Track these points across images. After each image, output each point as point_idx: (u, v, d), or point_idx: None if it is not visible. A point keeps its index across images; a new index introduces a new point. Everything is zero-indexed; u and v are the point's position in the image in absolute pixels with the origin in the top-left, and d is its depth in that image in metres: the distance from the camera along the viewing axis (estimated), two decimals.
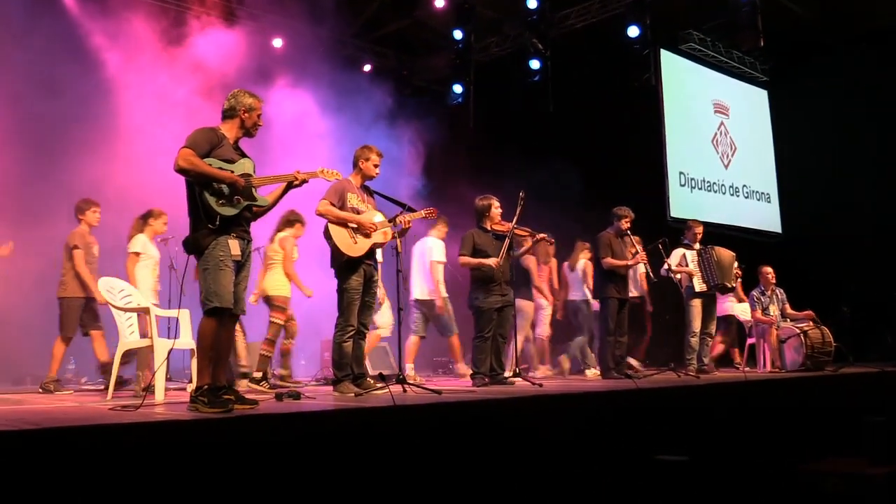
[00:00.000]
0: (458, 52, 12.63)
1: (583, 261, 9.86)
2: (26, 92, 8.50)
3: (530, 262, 9.41)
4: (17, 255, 7.63)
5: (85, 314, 7.31)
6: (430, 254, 8.72)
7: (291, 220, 7.83)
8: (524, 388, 6.54)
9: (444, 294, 8.69)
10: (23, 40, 8.56)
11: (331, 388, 6.28)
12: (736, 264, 9.18)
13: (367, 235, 6.06)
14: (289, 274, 7.60)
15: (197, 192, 4.51)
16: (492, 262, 7.17)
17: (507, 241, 7.25)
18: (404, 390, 5.77)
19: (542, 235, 7.52)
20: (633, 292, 9.17)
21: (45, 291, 7.48)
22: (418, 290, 8.71)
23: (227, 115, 4.80)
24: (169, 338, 6.38)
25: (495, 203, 7.51)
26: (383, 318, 8.60)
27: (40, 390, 6.94)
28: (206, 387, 4.42)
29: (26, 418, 4.00)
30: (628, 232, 8.38)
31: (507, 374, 7.37)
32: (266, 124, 10.82)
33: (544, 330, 9.68)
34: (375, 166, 6.28)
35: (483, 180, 11.36)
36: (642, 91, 12.08)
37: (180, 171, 4.45)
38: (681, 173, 12.38)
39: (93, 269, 7.36)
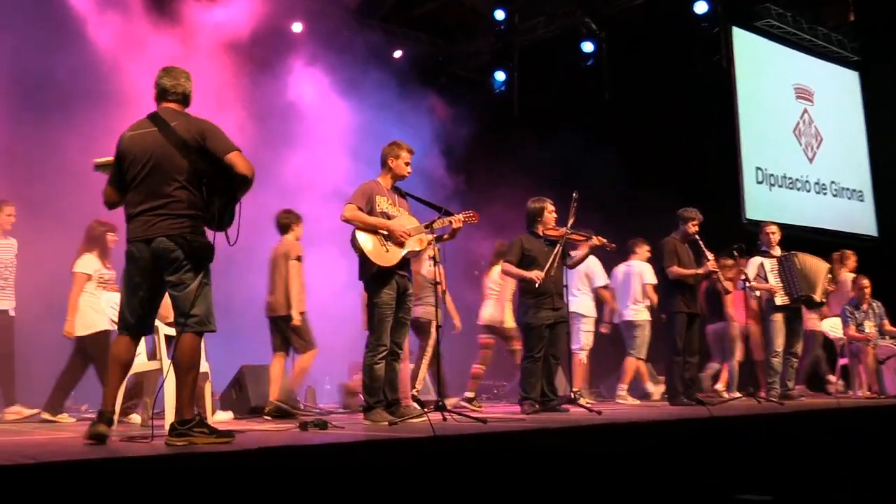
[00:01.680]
0: (499, 34, 12.66)
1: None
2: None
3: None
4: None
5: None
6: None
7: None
8: (580, 416, 6.49)
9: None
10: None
11: (361, 415, 6.28)
12: (829, 276, 9.00)
13: (400, 243, 6.07)
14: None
15: None
16: (534, 275, 7.14)
17: (558, 249, 7.22)
18: (444, 419, 5.76)
19: (599, 240, 7.48)
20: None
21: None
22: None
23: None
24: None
25: (549, 206, 7.50)
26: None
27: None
28: (197, 417, 4.45)
29: (24, 451, 4.06)
30: (697, 237, 8.29)
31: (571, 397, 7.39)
32: (284, 119, 11.10)
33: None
34: (406, 164, 6.29)
35: (529, 179, 11.39)
36: (712, 75, 11.98)
37: None
38: (758, 169, 12.24)
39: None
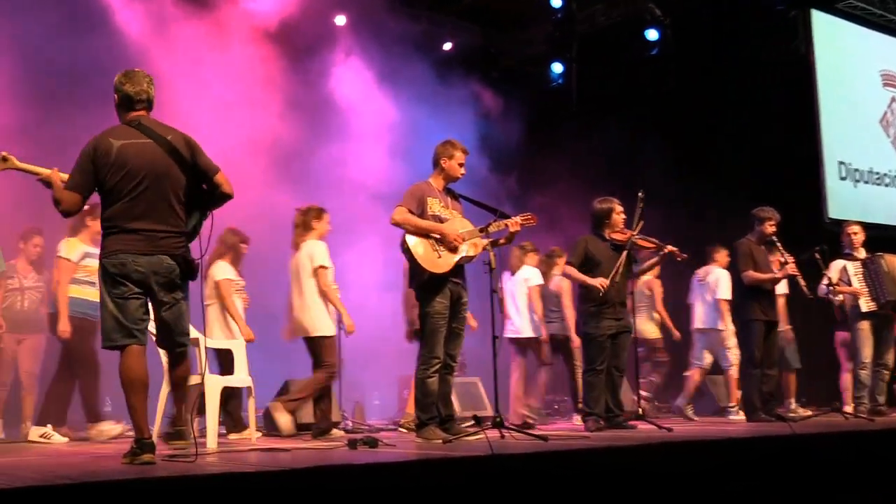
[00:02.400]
0: (556, 23, 12.62)
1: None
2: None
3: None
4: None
5: None
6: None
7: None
8: (649, 433, 6.43)
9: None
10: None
11: (413, 433, 6.28)
12: None
13: (454, 249, 6.08)
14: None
15: None
16: (598, 283, 7.11)
17: (624, 254, 7.17)
18: (502, 436, 5.74)
19: (671, 249, 7.40)
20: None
21: None
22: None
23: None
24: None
25: (618, 207, 7.45)
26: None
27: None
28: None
29: (60, 471, 4.14)
30: (774, 238, 8.17)
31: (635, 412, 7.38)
32: (329, 115, 11.18)
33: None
34: (460, 165, 6.30)
35: (588, 177, 11.33)
36: (789, 63, 11.79)
37: None
38: (841, 164, 12.01)
39: None
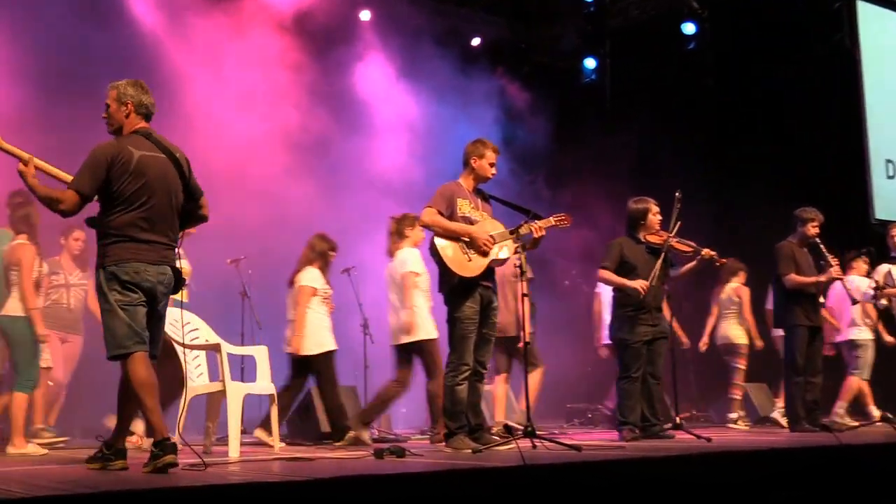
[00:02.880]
0: (589, 17, 12.61)
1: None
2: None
3: None
4: None
5: None
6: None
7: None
8: (687, 444, 6.40)
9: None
10: None
11: (441, 442, 6.31)
12: None
13: (484, 252, 6.08)
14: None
15: None
16: (639, 284, 7.09)
17: (661, 258, 7.14)
18: (534, 446, 5.74)
19: (709, 252, 7.35)
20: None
21: None
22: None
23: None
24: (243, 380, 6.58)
25: (654, 208, 7.43)
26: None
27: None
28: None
29: (81, 479, 4.18)
30: (817, 240, 8.11)
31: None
32: (354, 115, 11.24)
33: None
34: (491, 165, 6.30)
35: (621, 176, 11.31)
36: (833, 57, 11.69)
37: None
38: (888, 162, 11.88)
39: None
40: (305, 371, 7.62)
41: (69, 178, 4.82)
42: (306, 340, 7.46)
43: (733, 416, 9.57)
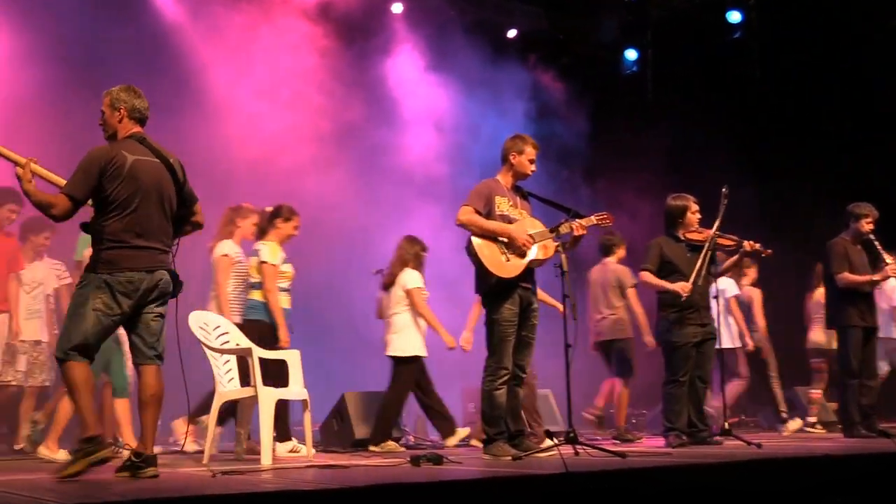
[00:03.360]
0: (630, 6, 12.54)
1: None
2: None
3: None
4: None
5: None
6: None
7: None
8: (736, 450, 6.36)
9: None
10: None
11: (479, 449, 6.29)
12: None
13: (523, 253, 6.07)
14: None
15: None
16: (680, 287, 7.06)
17: (705, 255, 7.09)
18: (576, 453, 5.73)
19: (752, 245, 7.31)
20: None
21: None
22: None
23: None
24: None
25: (693, 205, 7.39)
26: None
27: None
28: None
29: (111, 487, 4.23)
30: (872, 237, 8.02)
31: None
32: (385, 108, 11.29)
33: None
34: (531, 161, 6.30)
35: (662, 173, 11.23)
36: (891, 43, 11.51)
37: None
38: None
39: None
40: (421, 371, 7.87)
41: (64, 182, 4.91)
42: (400, 342, 7.71)
43: (811, 419, 9.53)
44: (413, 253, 7.90)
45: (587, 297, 9.08)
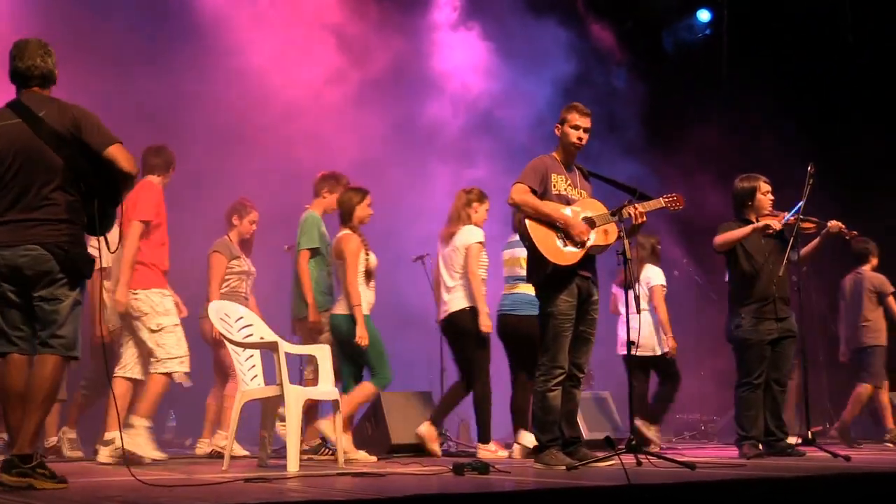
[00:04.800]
0: None
1: None
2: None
3: None
4: None
5: None
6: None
7: None
8: (821, 462, 6.31)
9: None
10: None
11: (530, 457, 6.28)
12: None
13: (581, 243, 6.04)
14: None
15: None
16: (769, 220, 7.09)
17: (793, 238, 7.01)
18: (638, 463, 5.69)
19: (836, 225, 7.23)
20: None
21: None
22: None
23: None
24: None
25: (763, 185, 7.31)
26: None
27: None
28: (39, 457, 4.63)
29: (128, 496, 4.25)
30: None
31: (792, 440, 7.18)
32: (427, 85, 11.34)
33: None
34: (574, 128, 6.25)
35: (743, 152, 11.11)
36: None
37: None
38: None
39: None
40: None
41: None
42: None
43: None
44: (648, 247, 8.71)
45: (839, 307, 9.61)
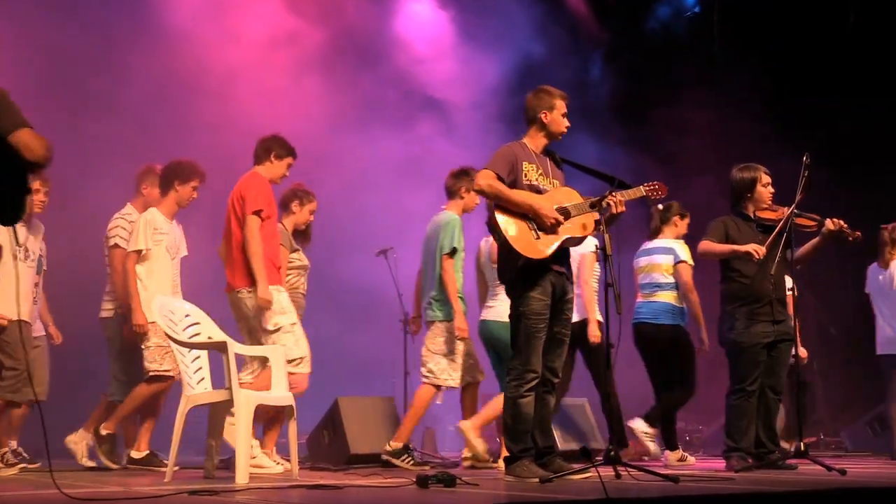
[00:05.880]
0: None
1: None
2: None
3: None
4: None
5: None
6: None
7: None
8: (814, 476, 6.33)
9: None
10: None
11: (501, 468, 6.26)
12: None
13: (553, 230, 6.03)
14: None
15: None
16: (752, 248, 6.99)
17: (784, 236, 7.03)
18: (617, 475, 5.68)
19: (836, 223, 7.23)
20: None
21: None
22: None
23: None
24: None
25: (764, 177, 7.33)
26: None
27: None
28: None
29: None
30: None
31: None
32: (397, 64, 11.37)
33: None
34: (564, 116, 6.26)
35: (736, 139, 11.16)
36: None
37: None
38: None
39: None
40: None
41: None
42: None
43: None
44: None
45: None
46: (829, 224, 7.20)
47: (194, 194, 7.68)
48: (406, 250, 8.98)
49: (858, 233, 7.37)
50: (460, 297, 7.67)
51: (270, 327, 6.96)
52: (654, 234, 8.44)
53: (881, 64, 11.59)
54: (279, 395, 6.59)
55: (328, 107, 10.61)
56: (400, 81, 11.67)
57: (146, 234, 7.52)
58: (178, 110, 9.95)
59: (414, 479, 5.53)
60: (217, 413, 6.59)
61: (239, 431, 6.05)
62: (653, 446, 8.28)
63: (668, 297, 7.93)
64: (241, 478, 5.84)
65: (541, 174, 6.19)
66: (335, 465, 7.64)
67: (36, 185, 7.57)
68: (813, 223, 7.29)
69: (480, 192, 6.17)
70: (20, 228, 4.96)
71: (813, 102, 11.56)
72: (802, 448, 7.16)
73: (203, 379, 6.51)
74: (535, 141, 6.30)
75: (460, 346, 7.65)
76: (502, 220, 6.00)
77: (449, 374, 7.62)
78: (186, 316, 6.60)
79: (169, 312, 6.52)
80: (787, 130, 10.92)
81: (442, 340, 7.69)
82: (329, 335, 9.13)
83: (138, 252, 7.48)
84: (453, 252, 7.72)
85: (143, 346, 7.43)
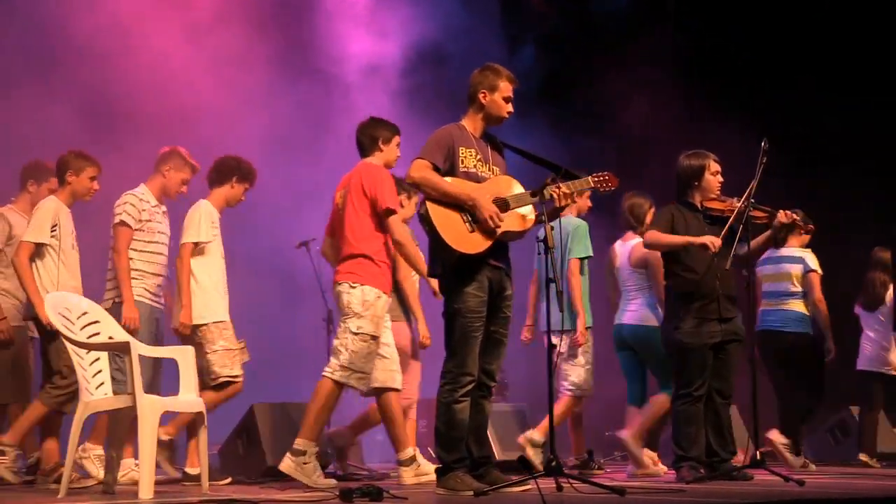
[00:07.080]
0: None
1: None
2: None
3: None
4: None
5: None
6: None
7: None
8: (770, 487, 6.39)
9: None
10: None
11: (433, 480, 6.28)
12: None
13: (489, 228, 6.01)
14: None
15: None
16: (708, 240, 6.99)
17: (737, 228, 7.07)
18: (559, 487, 5.68)
19: (788, 215, 7.28)
20: None
21: None
22: None
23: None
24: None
25: (713, 165, 7.37)
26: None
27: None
28: None
29: None
30: None
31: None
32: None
33: None
34: (507, 100, 6.24)
35: (690, 128, 11.25)
36: None
37: None
38: None
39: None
40: None
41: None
42: None
43: None
44: None
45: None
46: (782, 216, 7.22)
47: (243, 198, 7.68)
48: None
49: (812, 226, 7.49)
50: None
51: (354, 329, 6.76)
52: (781, 243, 8.70)
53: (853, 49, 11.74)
54: (188, 400, 6.53)
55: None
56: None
57: (206, 225, 7.44)
58: None
59: (338, 493, 5.52)
60: (118, 421, 6.53)
61: (142, 442, 5.98)
62: (791, 457, 8.68)
63: (797, 305, 8.56)
64: (145, 493, 5.78)
65: (479, 160, 6.17)
66: (250, 477, 7.59)
67: (93, 171, 7.50)
68: (764, 215, 7.32)
69: (414, 185, 6.15)
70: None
71: (771, 88, 11.68)
72: (758, 457, 7.25)
73: (103, 383, 6.43)
74: (473, 123, 6.29)
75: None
76: (433, 209, 5.98)
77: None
78: (84, 314, 6.50)
79: (64, 310, 6.42)
80: (747, 117, 11.00)
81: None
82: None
83: (195, 244, 7.40)
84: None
85: (207, 351, 7.32)
